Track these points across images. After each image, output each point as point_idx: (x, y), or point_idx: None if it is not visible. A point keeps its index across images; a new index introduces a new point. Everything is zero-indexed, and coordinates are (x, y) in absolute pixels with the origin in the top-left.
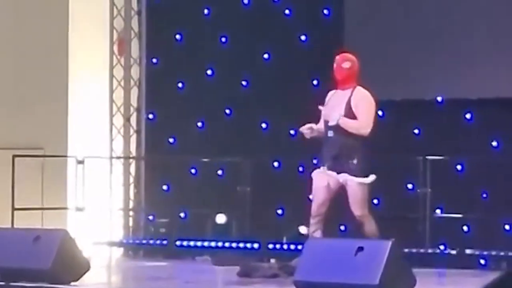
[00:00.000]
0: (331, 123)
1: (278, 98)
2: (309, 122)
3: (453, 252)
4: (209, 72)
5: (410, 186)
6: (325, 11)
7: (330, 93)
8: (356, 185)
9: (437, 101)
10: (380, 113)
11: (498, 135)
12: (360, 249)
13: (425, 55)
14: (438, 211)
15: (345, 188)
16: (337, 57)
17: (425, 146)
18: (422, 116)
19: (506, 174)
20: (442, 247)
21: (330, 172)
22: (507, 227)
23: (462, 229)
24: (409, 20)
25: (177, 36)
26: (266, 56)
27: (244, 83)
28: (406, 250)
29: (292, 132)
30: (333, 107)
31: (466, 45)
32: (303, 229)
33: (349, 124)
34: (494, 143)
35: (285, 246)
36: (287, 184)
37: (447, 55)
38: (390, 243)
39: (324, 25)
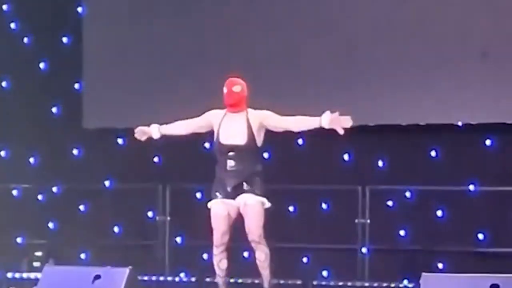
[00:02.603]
0: (232, 146)
1: (19, 126)
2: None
3: (193, 279)
4: None
5: (150, 214)
6: (64, 39)
7: (214, 114)
8: (256, 203)
9: None
10: (120, 141)
11: None
12: (98, 277)
13: (165, 81)
14: (178, 239)
15: (241, 212)
16: (227, 82)
17: (165, 174)
18: (162, 144)
19: None
20: (182, 274)
21: (227, 200)
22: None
23: (202, 257)
24: (142, 47)
25: None
26: (4, 84)
27: None
28: (146, 277)
29: (32, 160)
30: (230, 130)
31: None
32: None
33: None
34: None
35: (24, 275)
36: (26, 212)
37: (178, 83)
38: (127, 270)
39: (64, 53)
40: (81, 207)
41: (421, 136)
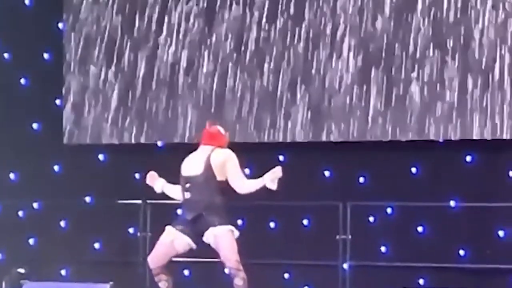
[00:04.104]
0: (188, 178)
1: None
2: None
3: None
4: None
5: (131, 230)
6: (46, 55)
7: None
8: (226, 232)
9: (156, 145)
10: (101, 157)
11: None
12: None
13: (146, 98)
14: None
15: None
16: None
17: (146, 190)
18: (143, 160)
19: None
20: None
21: (183, 234)
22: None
23: (183, 273)
24: (124, 64)
25: None
26: None
27: None
28: None
29: (12, 176)
30: (190, 163)
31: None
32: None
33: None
34: None
35: None
36: (6, 229)
37: (159, 100)
38: (108, 286)
39: (44, 69)
40: (62, 223)
41: (402, 152)
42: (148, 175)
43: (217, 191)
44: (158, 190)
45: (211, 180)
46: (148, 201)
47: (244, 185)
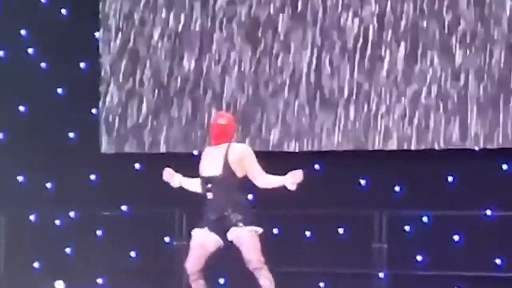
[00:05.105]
0: (209, 178)
1: (35, 151)
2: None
3: None
4: None
5: (167, 239)
6: (82, 64)
7: (204, 152)
8: (248, 233)
9: (193, 154)
10: (137, 166)
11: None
12: None
13: (183, 107)
14: None
15: (233, 245)
16: (214, 115)
17: (182, 199)
18: (179, 169)
19: None
20: None
21: (210, 232)
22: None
23: (218, 282)
24: (159, 72)
25: None
26: (22, 108)
27: (0, 135)
28: None
29: (49, 185)
30: (208, 163)
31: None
32: (59, 284)
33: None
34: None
35: None
36: (43, 238)
37: (196, 108)
38: None
39: (81, 78)
40: (98, 232)
41: (438, 161)
42: (164, 171)
43: (239, 189)
44: (175, 185)
45: (231, 178)
46: (184, 210)
47: (263, 179)
